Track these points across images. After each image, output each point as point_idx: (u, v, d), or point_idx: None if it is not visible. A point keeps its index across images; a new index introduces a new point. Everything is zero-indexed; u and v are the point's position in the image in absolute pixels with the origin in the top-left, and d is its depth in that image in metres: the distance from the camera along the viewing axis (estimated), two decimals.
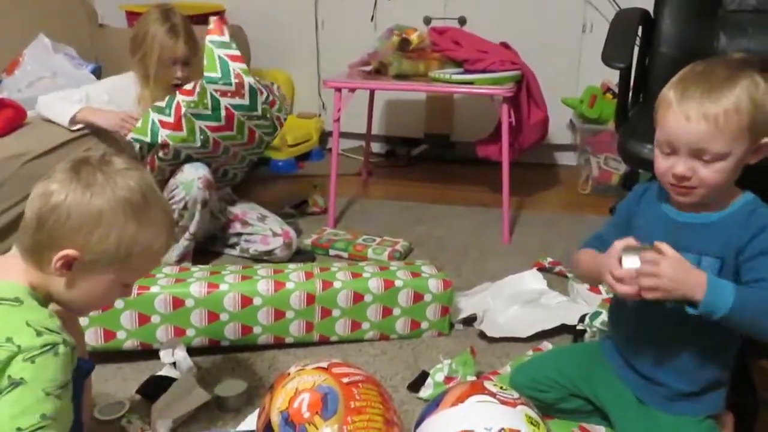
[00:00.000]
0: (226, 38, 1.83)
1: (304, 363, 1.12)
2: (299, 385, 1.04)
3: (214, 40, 1.81)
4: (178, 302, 1.45)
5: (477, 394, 1.04)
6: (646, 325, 1.10)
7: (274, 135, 2.00)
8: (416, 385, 1.39)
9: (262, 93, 1.87)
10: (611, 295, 1.45)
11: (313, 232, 2.17)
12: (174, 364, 1.41)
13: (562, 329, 1.58)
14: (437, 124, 3.00)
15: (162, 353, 1.42)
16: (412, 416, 1.19)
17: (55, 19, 2.44)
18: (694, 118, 0.96)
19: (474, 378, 1.37)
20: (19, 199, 1.72)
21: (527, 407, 1.04)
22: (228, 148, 1.90)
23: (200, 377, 1.41)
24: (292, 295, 1.51)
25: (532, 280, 1.78)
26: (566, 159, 3.04)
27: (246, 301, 1.48)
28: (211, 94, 1.77)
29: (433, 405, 1.07)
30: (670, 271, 0.96)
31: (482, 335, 1.58)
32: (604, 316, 1.50)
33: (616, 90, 1.77)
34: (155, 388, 1.33)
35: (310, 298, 1.52)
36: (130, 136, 1.80)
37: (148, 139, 1.78)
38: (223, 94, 1.78)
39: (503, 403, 1.02)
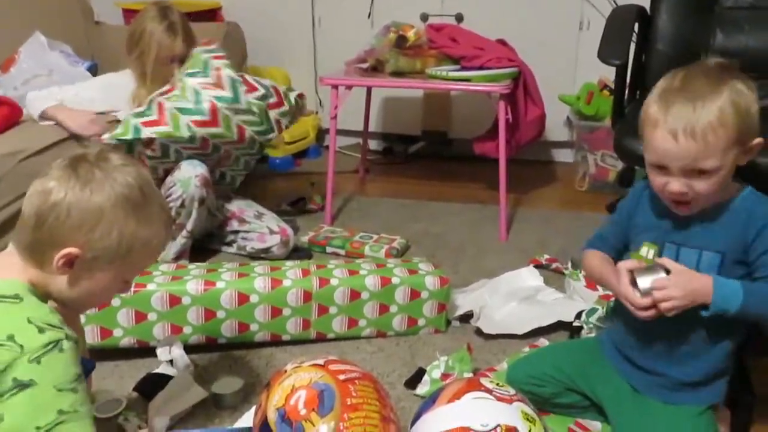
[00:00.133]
0: (212, 46, 1.89)
1: (300, 360, 1.12)
2: (296, 382, 1.05)
3: (201, 48, 1.89)
4: (174, 300, 1.45)
5: (473, 390, 1.04)
6: (646, 322, 1.10)
7: (269, 136, 1.96)
8: (413, 382, 1.39)
9: (254, 88, 1.87)
10: (609, 292, 1.46)
11: (310, 230, 2.17)
12: (171, 361, 1.41)
13: (559, 326, 1.58)
14: (434, 122, 3.00)
15: (159, 351, 1.42)
16: (409, 413, 1.19)
17: (50, 16, 2.43)
18: (682, 138, 0.96)
19: (470, 375, 1.37)
20: (15, 196, 1.72)
21: (523, 404, 1.04)
22: (218, 146, 1.90)
23: (197, 375, 1.41)
24: (289, 293, 1.51)
25: (528, 276, 1.78)
26: (563, 156, 3.04)
27: (243, 298, 1.48)
28: (194, 88, 1.79)
29: (430, 402, 1.07)
30: (680, 289, 1.00)
31: (479, 332, 1.59)
32: (600, 313, 1.51)
33: (613, 87, 1.77)
34: (152, 385, 1.33)
35: (307, 296, 1.52)
36: (107, 137, 1.76)
37: (130, 136, 1.75)
38: (205, 86, 1.80)
39: (499, 399, 1.02)
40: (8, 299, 0.87)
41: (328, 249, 2.08)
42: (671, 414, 1.11)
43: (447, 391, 1.07)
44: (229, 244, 2.04)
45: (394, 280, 1.56)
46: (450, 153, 3.06)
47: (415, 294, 1.57)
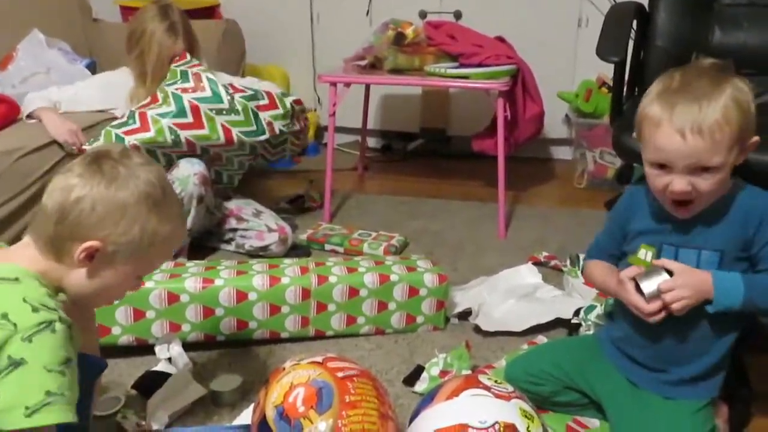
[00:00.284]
0: (188, 59, 1.90)
1: (299, 357, 1.12)
2: (294, 379, 1.05)
3: (179, 64, 1.89)
4: (173, 297, 1.45)
5: (471, 387, 1.04)
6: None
7: (259, 138, 1.93)
8: (411, 379, 1.39)
9: (240, 91, 1.87)
10: None
11: (308, 227, 2.17)
12: (169, 359, 1.41)
13: (557, 323, 1.58)
14: (433, 119, 3.00)
15: (157, 348, 1.42)
16: (408, 410, 1.19)
17: (48, 14, 2.42)
18: (689, 135, 0.96)
19: (469, 372, 1.37)
20: (13, 194, 1.71)
21: (522, 401, 1.04)
22: (207, 150, 1.90)
23: (196, 372, 1.41)
24: (287, 290, 1.51)
25: (527, 274, 1.78)
26: (562, 153, 3.04)
27: (241, 296, 1.48)
28: (173, 93, 1.80)
29: (428, 399, 1.07)
30: (688, 288, 1.01)
31: (477, 329, 1.59)
32: (599, 310, 1.51)
33: (612, 84, 1.76)
34: (151, 383, 1.33)
35: (306, 293, 1.52)
36: (89, 149, 1.76)
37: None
38: (184, 90, 1.82)
39: (498, 396, 1.03)
40: (6, 281, 0.88)
41: (327, 246, 2.08)
42: (670, 410, 1.11)
43: (445, 388, 1.07)
44: (228, 242, 2.04)
45: (393, 278, 1.56)
46: (449, 150, 3.06)
47: (413, 291, 1.57)
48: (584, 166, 2.68)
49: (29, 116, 1.87)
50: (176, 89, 1.82)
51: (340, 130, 2.74)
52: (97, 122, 1.94)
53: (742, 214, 1.04)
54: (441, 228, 2.26)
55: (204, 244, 2.04)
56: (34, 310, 0.84)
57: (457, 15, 2.77)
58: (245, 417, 1.24)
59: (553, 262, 1.92)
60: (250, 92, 1.90)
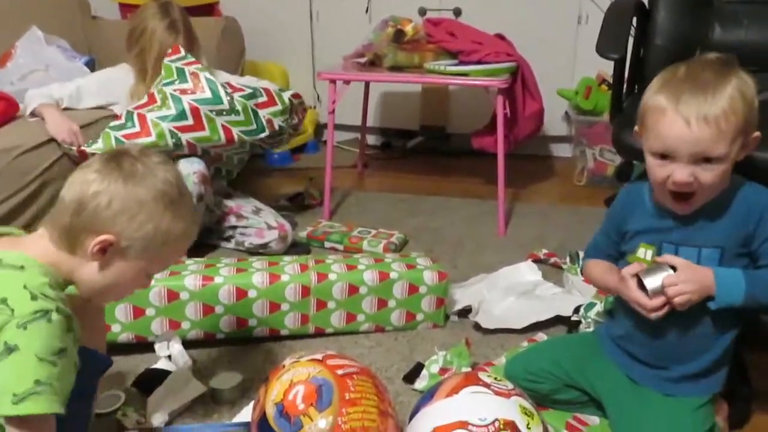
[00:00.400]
0: (182, 54, 1.87)
1: (298, 355, 1.12)
2: (294, 377, 1.05)
3: (172, 59, 1.87)
4: (172, 295, 1.45)
5: (471, 385, 1.04)
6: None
7: (260, 136, 1.93)
8: (411, 376, 1.39)
9: (238, 90, 1.86)
10: None
11: (308, 225, 2.17)
12: (169, 356, 1.41)
13: (557, 320, 1.58)
14: (433, 116, 2.99)
15: (157, 346, 1.42)
16: (407, 407, 1.19)
17: (47, 11, 2.42)
18: (695, 123, 0.95)
19: (469, 369, 1.37)
20: (11, 192, 1.71)
21: (521, 398, 1.04)
22: (207, 150, 1.90)
23: (195, 370, 1.41)
24: (287, 288, 1.51)
25: (527, 271, 1.78)
26: (561, 151, 3.04)
27: (241, 293, 1.48)
28: (172, 95, 1.79)
29: (428, 396, 1.07)
30: (692, 283, 1.01)
31: (477, 327, 1.59)
32: (598, 307, 1.51)
33: (611, 81, 1.76)
34: (151, 380, 1.33)
35: (305, 291, 1.52)
36: (89, 150, 1.76)
37: None
38: (183, 92, 1.80)
39: (497, 393, 1.02)
40: (11, 267, 0.89)
41: (327, 244, 2.07)
42: (671, 407, 1.11)
43: (445, 385, 1.07)
44: (228, 239, 2.04)
45: (393, 275, 1.56)
46: (448, 148, 3.06)
47: (413, 289, 1.57)
48: (584, 164, 2.68)
49: (32, 114, 1.87)
50: (175, 90, 1.81)
51: (339, 127, 2.74)
52: (96, 119, 1.94)
53: (743, 209, 1.04)
54: (441, 225, 2.26)
55: (204, 241, 2.04)
56: (33, 298, 0.85)
57: (457, 12, 2.77)
58: (245, 414, 1.25)
59: (552, 260, 1.92)
60: (248, 90, 1.90)
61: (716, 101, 0.95)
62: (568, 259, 1.82)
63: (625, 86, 1.75)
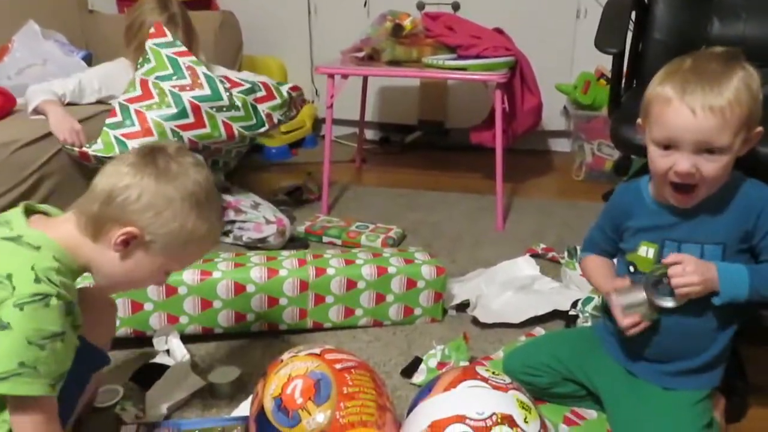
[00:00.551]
0: (169, 38, 1.84)
1: (297, 349, 1.12)
2: (292, 371, 1.05)
3: (157, 42, 1.83)
4: (170, 290, 1.45)
5: (469, 379, 1.04)
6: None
7: (259, 130, 1.94)
8: (409, 370, 1.39)
9: (237, 85, 1.85)
10: None
11: (306, 219, 2.17)
12: (167, 351, 1.41)
13: (555, 315, 1.58)
14: (431, 111, 2.99)
15: (155, 341, 1.42)
16: (405, 401, 1.19)
17: (44, 5, 2.41)
18: (700, 112, 0.95)
19: (467, 363, 1.37)
20: (10, 186, 1.70)
21: (519, 392, 1.04)
22: (208, 146, 1.89)
23: (194, 364, 1.41)
24: (285, 282, 1.51)
25: (525, 266, 1.78)
26: (560, 145, 3.04)
27: (239, 288, 1.48)
28: (170, 91, 1.77)
29: (426, 390, 1.07)
30: (698, 275, 1.01)
31: (475, 321, 1.59)
32: (596, 301, 1.51)
33: (610, 76, 1.76)
34: (149, 375, 1.33)
35: (304, 285, 1.52)
36: (90, 151, 1.76)
37: (116, 151, 1.74)
38: (182, 89, 1.79)
39: (495, 388, 1.03)
40: (28, 246, 0.91)
41: (325, 239, 2.07)
42: (670, 401, 1.11)
43: (443, 379, 1.07)
44: (226, 234, 2.04)
45: (391, 270, 1.56)
46: (447, 143, 3.05)
47: (411, 283, 1.57)
48: (582, 159, 2.68)
49: (35, 111, 1.86)
50: (173, 87, 1.78)
51: (337, 122, 2.74)
52: (93, 114, 1.93)
53: (744, 205, 1.04)
54: (439, 220, 2.26)
55: None
56: (36, 280, 0.86)
57: (455, 6, 2.76)
58: (243, 409, 1.25)
59: (550, 254, 1.92)
60: (247, 85, 1.89)
61: (722, 92, 0.96)
62: (566, 254, 1.82)
63: (623, 81, 1.75)
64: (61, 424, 0.94)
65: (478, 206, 2.37)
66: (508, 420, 0.98)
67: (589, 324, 1.49)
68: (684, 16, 1.75)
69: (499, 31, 2.35)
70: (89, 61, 2.32)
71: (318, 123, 3.16)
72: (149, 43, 1.83)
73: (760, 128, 1.01)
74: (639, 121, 1.08)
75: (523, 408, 1.01)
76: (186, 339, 1.46)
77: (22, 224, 0.94)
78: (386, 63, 2.27)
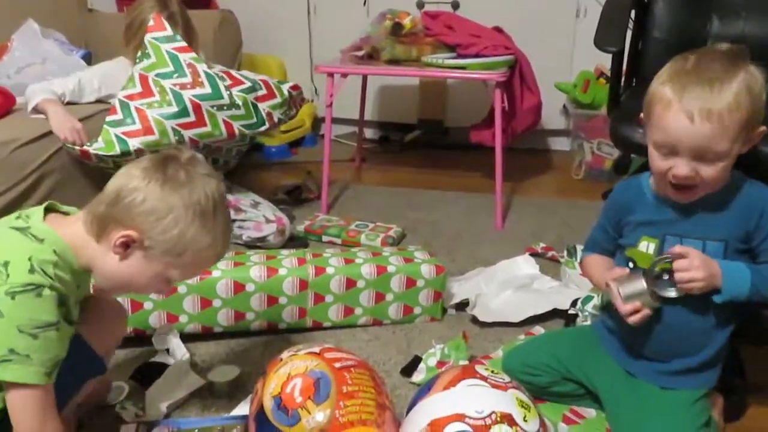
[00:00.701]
0: (169, 32, 1.83)
1: (296, 348, 1.12)
2: (291, 370, 1.05)
3: (157, 36, 1.82)
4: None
5: (468, 378, 1.04)
6: (655, 314, 1.10)
7: (259, 129, 1.94)
8: (409, 369, 1.39)
9: (239, 82, 1.85)
10: None
11: (306, 219, 2.17)
12: (167, 350, 1.41)
13: (554, 314, 1.58)
14: (430, 110, 2.99)
15: (155, 339, 1.42)
16: (405, 400, 1.19)
17: (43, 3, 2.40)
18: (698, 119, 0.95)
19: (466, 362, 1.37)
20: (9, 185, 1.70)
21: (518, 391, 1.04)
22: (209, 144, 1.89)
23: (193, 363, 1.41)
24: (284, 281, 1.51)
25: (524, 265, 1.78)
26: (559, 144, 3.04)
27: (239, 287, 1.48)
28: (171, 89, 1.76)
29: (425, 389, 1.07)
30: (702, 269, 1.01)
31: (475, 320, 1.59)
32: (596, 301, 1.51)
33: (610, 75, 1.76)
34: (149, 374, 1.33)
35: (303, 284, 1.52)
36: (91, 150, 1.75)
37: (117, 150, 1.74)
38: (183, 87, 1.78)
39: (494, 386, 1.03)
40: (32, 237, 0.92)
41: (324, 238, 2.07)
42: (667, 400, 1.12)
43: (442, 378, 1.07)
44: None
45: (390, 269, 1.56)
46: (446, 141, 3.05)
47: (411, 282, 1.57)
48: (582, 157, 2.68)
49: (35, 110, 1.85)
50: (174, 85, 1.78)
51: (337, 121, 2.74)
52: (93, 113, 1.93)
53: (744, 205, 1.04)
54: (438, 219, 2.26)
55: None
56: (30, 270, 0.88)
57: (455, 5, 2.76)
58: (243, 408, 1.25)
59: (550, 253, 1.93)
60: (248, 84, 1.89)
61: (721, 96, 0.94)
62: (565, 253, 1.82)
63: (623, 80, 1.75)
64: None
65: (477, 205, 2.37)
66: (508, 419, 0.98)
67: (588, 323, 1.49)
68: (684, 15, 1.75)
69: (498, 29, 2.35)
70: (89, 60, 2.32)
71: (317, 122, 3.16)
72: (148, 37, 1.83)
73: (763, 128, 1.00)
74: (642, 115, 1.08)
75: (522, 407, 1.01)
76: (186, 338, 1.46)
77: (36, 219, 0.96)
78: (386, 62, 2.27)
